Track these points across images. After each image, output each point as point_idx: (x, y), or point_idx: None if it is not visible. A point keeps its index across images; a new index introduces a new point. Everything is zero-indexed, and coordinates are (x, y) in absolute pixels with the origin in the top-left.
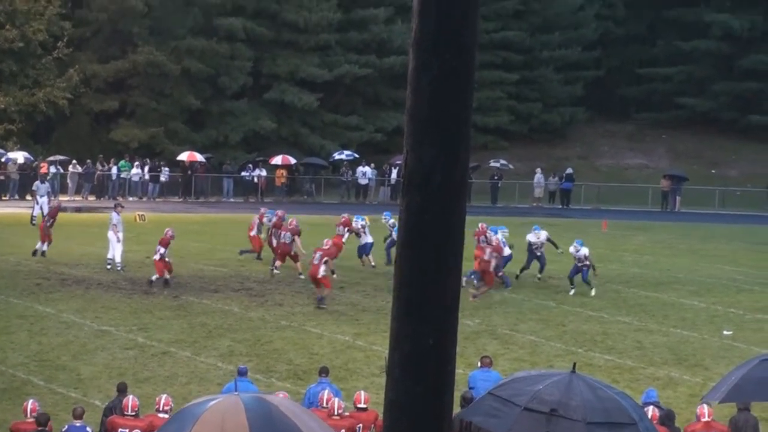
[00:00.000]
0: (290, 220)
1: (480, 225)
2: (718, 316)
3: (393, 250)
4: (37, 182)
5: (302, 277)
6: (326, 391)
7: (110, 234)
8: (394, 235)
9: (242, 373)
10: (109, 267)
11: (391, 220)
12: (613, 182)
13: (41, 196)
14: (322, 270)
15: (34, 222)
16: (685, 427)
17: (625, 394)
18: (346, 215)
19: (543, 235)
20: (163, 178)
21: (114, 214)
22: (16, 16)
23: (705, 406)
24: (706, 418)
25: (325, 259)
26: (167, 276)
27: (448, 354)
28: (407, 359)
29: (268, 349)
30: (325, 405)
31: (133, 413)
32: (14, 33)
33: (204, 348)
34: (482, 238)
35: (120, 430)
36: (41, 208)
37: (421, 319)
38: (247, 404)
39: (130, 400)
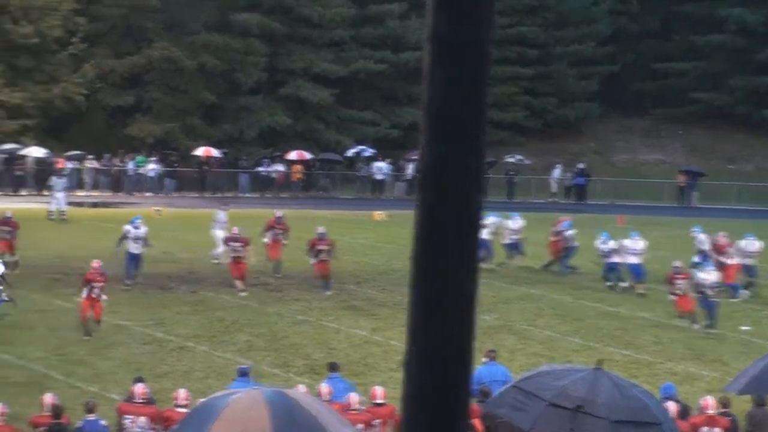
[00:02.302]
0: (234, 229)
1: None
2: (737, 311)
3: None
4: (54, 177)
5: (243, 294)
6: (323, 385)
7: (217, 232)
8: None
9: (244, 373)
10: (216, 262)
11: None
12: (628, 177)
13: (58, 191)
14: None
15: (51, 217)
16: (689, 418)
17: (650, 394)
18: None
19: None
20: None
21: (220, 213)
22: (31, 11)
23: (710, 398)
24: (710, 411)
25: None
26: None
27: (466, 348)
28: (424, 354)
29: (285, 344)
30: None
31: (142, 401)
32: (30, 29)
33: (222, 343)
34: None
35: (126, 416)
36: (58, 203)
37: (439, 314)
38: (269, 398)
39: (138, 388)
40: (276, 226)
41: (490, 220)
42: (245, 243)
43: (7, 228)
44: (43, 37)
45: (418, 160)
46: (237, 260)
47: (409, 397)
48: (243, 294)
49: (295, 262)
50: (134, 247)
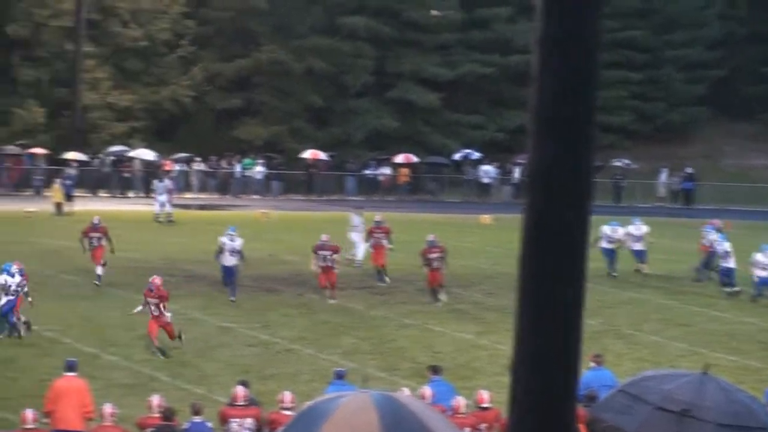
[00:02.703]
0: (322, 236)
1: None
2: None
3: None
4: (156, 180)
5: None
6: (425, 388)
7: (354, 235)
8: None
9: (340, 376)
10: (357, 266)
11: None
12: (736, 182)
13: (160, 194)
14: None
15: (158, 219)
16: None
17: (756, 399)
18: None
19: (643, 229)
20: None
21: (355, 217)
22: (140, 15)
23: None
24: None
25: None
26: None
27: (572, 353)
28: (531, 358)
29: (391, 347)
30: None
31: (244, 403)
32: (139, 32)
33: (327, 346)
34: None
35: (231, 420)
36: (162, 206)
37: (546, 319)
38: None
39: (240, 391)
40: (376, 231)
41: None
42: (335, 250)
43: (97, 234)
44: (151, 40)
45: (526, 163)
46: (327, 269)
47: (517, 401)
48: (332, 302)
49: (400, 266)
50: (229, 260)
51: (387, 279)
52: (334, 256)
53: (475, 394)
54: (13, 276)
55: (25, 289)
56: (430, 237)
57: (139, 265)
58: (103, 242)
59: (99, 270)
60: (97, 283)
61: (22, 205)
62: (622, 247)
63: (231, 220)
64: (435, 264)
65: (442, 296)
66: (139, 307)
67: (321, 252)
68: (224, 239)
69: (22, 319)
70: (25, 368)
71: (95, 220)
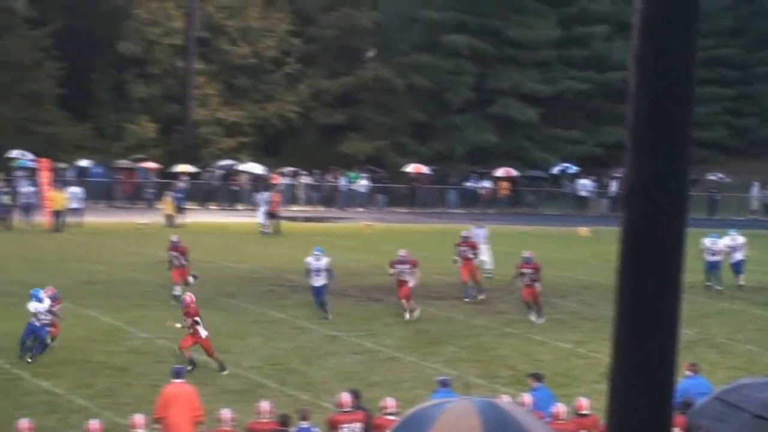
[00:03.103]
0: (400, 251)
1: None
2: None
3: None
4: (257, 194)
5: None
6: (525, 395)
7: (481, 247)
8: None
9: (444, 384)
10: (489, 277)
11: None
12: None
13: (261, 207)
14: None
15: (265, 231)
16: None
17: None
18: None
19: (740, 240)
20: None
21: (477, 230)
22: (248, 33)
23: None
24: None
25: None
26: None
27: (669, 362)
28: (629, 367)
29: (491, 355)
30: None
31: (350, 409)
32: (247, 50)
33: (429, 354)
34: None
35: (341, 426)
36: (263, 218)
37: (643, 328)
38: (480, 408)
39: (345, 397)
40: (462, 245)
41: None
42: (412, 264)
43: (175, 254)
44: (259, 58)
45: (623, 177)
46: (401, 283)
47: (614, 408)
48: (411, 315)
49: (502, 276)
50: (316, 280)
51: (475, 294)
52: (412, 269)
53: (573, 401)
54: (41, 301)
55: (56, 312)
56: (526, 253)
57: (248, 275)
58: (183, 261)
59: (176, 290)
60: (174, 303)
61: (135, 217)
62: (725, 258)
63: (336, 232)
64: (527, 280)
65: (538, 319)
66: (178, 324)
67: (397, 266)
68: (309, 259)
69: None
70: (140, 375)
71: (174, 238)
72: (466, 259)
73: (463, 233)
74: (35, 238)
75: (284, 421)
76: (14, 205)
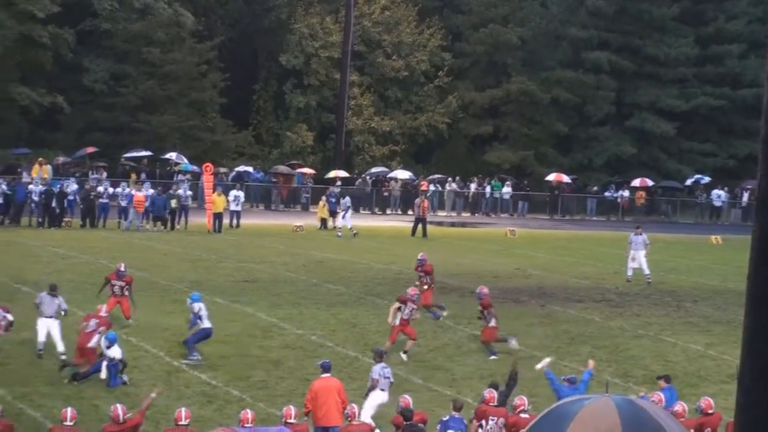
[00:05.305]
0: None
1: None
2: None
3: None
4: (342, 198)
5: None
6: (656, 394)
7: (632, 253)
8: None
9: (572, 382)
10: (648, 281)
11: None
12: None
13: (344, 211)
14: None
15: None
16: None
17: None
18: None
19: None
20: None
21: (635, 237)
22: (402, 47)
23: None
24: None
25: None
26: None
27: None
28: (759, 369)
29: (625, 356)
30: None
31: (495, 404)
32: (400, 63)
33: (567, 353)
34: None
35: (491, 417)
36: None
37: None
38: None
39: (489, 393)
40: (418, 269)
41: None
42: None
43: (120, 283)
44: (411, 71)
45: (756, 188)
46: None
47: (742, 408)
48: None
49: (636, 281)
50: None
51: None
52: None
53: (701, 400)
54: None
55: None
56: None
57: (396, 276)
58: (121, 293)
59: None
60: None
61: (291, 220)
62: None
63: (480, 237)
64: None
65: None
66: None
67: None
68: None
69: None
70: (292, 369)
71: (121, 267)
72: (426, 284)
73: (420, 256)
74: (197, 239)
75: (408, 415)
76: (176, 208)
